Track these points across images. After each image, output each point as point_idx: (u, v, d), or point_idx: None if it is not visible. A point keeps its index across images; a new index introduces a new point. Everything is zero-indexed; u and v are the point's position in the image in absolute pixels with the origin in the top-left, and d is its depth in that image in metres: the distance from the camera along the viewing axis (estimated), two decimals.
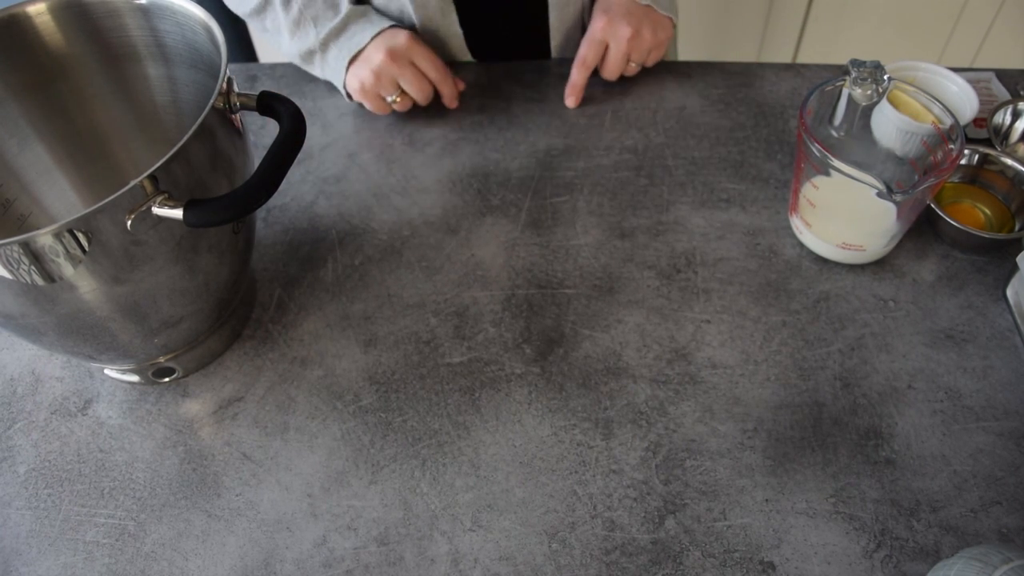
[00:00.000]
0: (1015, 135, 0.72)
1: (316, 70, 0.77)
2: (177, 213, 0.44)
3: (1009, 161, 0.66)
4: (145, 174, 0.43)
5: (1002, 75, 0.77)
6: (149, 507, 0.53)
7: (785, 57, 1.52)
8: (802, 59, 1.50)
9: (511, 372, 0.59)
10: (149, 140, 0.62)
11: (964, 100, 0.70)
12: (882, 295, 0.62)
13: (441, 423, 0.56)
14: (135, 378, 0.59)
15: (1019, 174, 0.65)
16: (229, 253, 0.54)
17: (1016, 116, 0.72)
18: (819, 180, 0.60)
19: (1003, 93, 0.76)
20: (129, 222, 0.43)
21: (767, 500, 0.52)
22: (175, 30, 0.54)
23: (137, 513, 0.53)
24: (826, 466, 0.53)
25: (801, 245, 0.65)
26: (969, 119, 0.69)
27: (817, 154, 0.57)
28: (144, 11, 0.55)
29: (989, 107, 0.73)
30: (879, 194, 0.55)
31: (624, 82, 0.79)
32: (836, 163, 0.55)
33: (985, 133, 0.71)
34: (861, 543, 0.50)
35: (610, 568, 0.49)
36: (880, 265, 0.64)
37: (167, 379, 0.59)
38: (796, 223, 0.65)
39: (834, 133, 0.63)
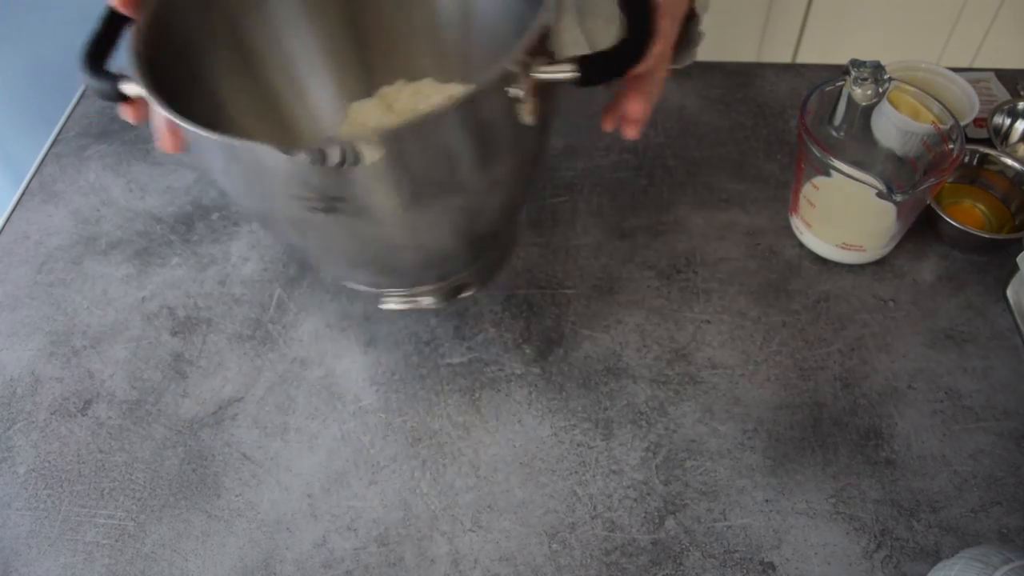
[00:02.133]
0: (1015, 135, 0.72)
1: None
2: (565, 74, 0.39)
3: (1009, 161, 0.66)
4: (532, 33, 0.38)
5: (1002, 75, 0.77)
6: (149, 508, 0.53)
7: (785, 57, 1.52)
8: (802, 59, 1.50)
9: (511, 372, 0.59)
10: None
11: (964, 100, 0.70)
12: (882, 295, 0.62)
13: (441, 423, 0.56)
14: (429, 300, 0.54)
15: (1019, 174, 0.65)
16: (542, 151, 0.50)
17: (1016, 116, 0.72)
18: (819, 180, 0.60)
19: (1003, 93, 0.76)
20: (516, 93, 0.39)
21: (767, 500, 0.52)
22: None
23: (137, 514, 0.53)
24: (826, 466, 0.53)
25: (801, 245, 0.65)
26: (969, 119, 0.69)
27: (817, 154, 0.57)
28: None
29: (989, 107, 0.72)
30: (879, 194, 0.55)
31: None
32: (836, 163, 0.55)
33: (985, 133, 0.71)
34: (861, 543, 0.50)
35: (610, 569, 0.49)
36: (880, 265, 0.64)
37: (463, 295, 0.54)
38: (796, 223, 0.65)
39: (834, 133, 0.63)
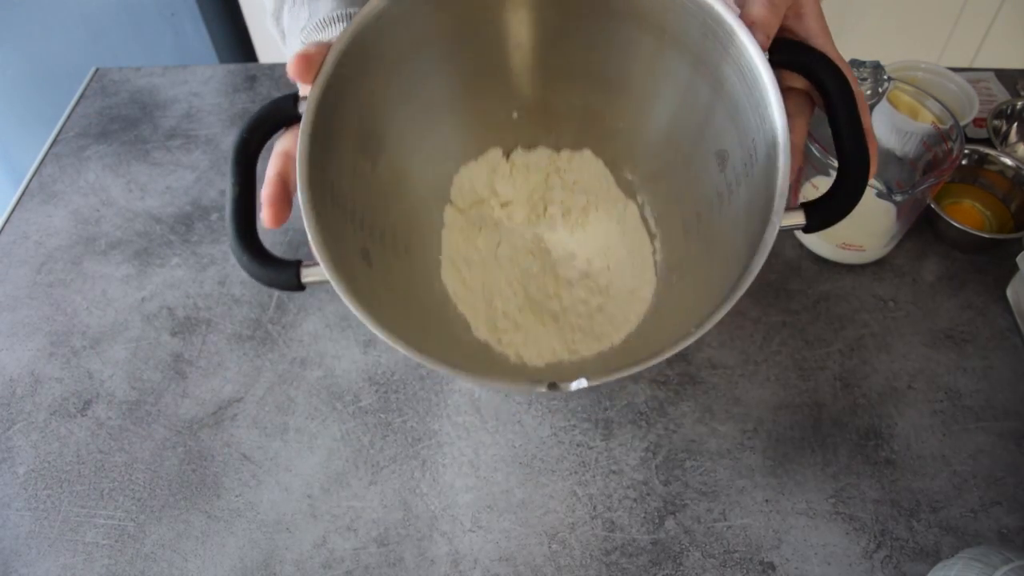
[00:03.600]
0: (1015, 135, 0.72)
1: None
2: (792, 221, 0.40)
3: (1009, 161, 0.66)
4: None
5: (1002, 75, 0.77)
6: (149, 508, 0.53)
7: None
8: None
9: None
10: None
11: (964, 100, 0.70)
12: (882, 295, 0.62)
13: (441, 424, 0.56)
14: None
15: (1019, 174, 0.65)
16: None
17: (1016, 116, 0.72)
18: (819, 180, 0.60)
19: (1003, 93, 0.76)
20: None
21: (767, 500, 0.52)
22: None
23: (137, 514, 0.53)
24: (826, 466, 0.53)
25: (801, 245, 0.65)
26: (969, 119, 0.69)
27: (817, 154, 0.57)
28: None
29: (989, 107, 0.72)
30: (879, 194, 0.55)
31: None
32: (836, 163, 0.55)
33: (985, 133, 0.71)
34: (861, 543, 0.50)
35: (610, 569, 0.49)
36: (880, 265, 0.64)
37: None
38: None
39: None
